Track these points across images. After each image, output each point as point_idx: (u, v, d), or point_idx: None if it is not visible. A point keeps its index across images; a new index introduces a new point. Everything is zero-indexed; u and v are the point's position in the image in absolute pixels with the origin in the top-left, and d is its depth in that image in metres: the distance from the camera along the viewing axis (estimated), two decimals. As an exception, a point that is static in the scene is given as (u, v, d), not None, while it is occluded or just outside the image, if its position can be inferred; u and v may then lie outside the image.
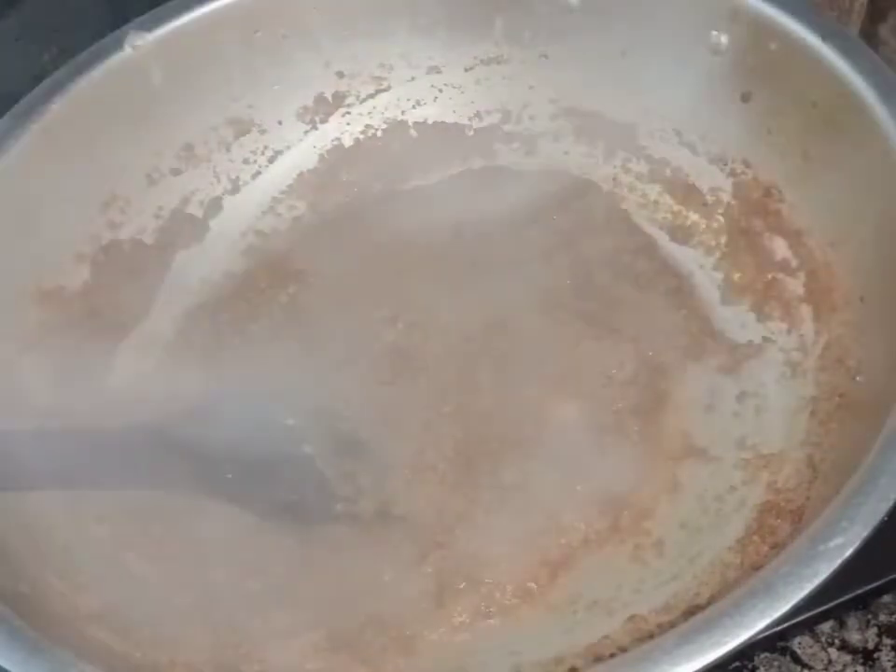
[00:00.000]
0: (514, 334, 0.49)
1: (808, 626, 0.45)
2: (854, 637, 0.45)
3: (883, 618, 0.45)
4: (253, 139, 0.57)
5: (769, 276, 0.50)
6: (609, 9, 0.53)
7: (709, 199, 0.54)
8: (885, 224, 0.44)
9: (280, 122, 0.58)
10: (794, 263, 0.49)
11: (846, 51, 0.46)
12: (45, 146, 0.50)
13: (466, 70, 0.58)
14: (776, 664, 0.45)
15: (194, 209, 0.56)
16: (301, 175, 0.58)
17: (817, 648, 0.45)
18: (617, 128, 0.56)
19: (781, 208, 0.50)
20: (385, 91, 0.59)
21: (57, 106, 0.50)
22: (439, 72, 0.58)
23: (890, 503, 0.34)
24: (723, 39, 0.50)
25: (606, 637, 0.39)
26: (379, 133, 0.59)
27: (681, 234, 0.54)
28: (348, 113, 0.59)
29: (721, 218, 0.53)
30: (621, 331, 0.49)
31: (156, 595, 0.43)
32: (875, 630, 0.45)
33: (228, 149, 0.57)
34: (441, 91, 0.59)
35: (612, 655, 0.38)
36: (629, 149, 0.56)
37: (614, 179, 0.56)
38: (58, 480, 0.43)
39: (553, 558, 0.43)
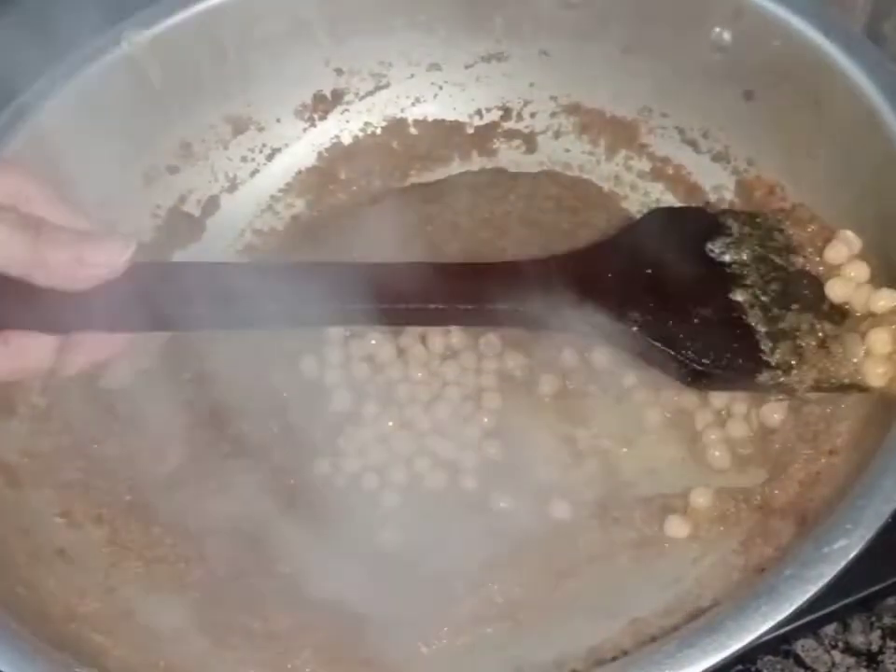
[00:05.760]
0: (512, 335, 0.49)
1: (812, 629, 0.45)
2: (858, 640, 0.45)
3: (887, 620, 0.45)
4: (251, 137, 0.57)
5: (771, 275, 0.50)
6: (610, 6, 0.53)
7: (712, 197, 0.53)
8: (889, 221, 0.44)
9: (278, 120, 0.57)
10: (796, 262, 0.49)
11: (849, 48, 0.46)
12: (41, 144, 0.49)
13: (466, 67, 0.58)
14: (779, 667, 0.44)
15: (191, 208, 0.56)
16: (299, 173, 0.58)
17: (820, 651, 0.45)
18: (619, 126, 0.56)
19: (784, 206, 0.50)
20: (384, 88, 0.58)
21: (53, 104, 0.50)
22: (438, 69, 0.58)
23: (894, 505, 0.34)
24: (726, 36, 0.50)
25: (607, 639, 0.39)
26: (378, 131, 0.59)
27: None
28: (347, 110, 0.58)
29: (724, 217, 0.53)
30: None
31: (154, 597, 0.43)
32: (878, 633, 0.45)
33: (225, 147, 0.57)
34: (440, 88, 0.58)
35: (614, 658, 0.38)
36: (631, 147, 0.56)
37: (616, 177, 0.56)
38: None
39: (555, 560, 0.43)
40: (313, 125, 0.58)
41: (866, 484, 0.35)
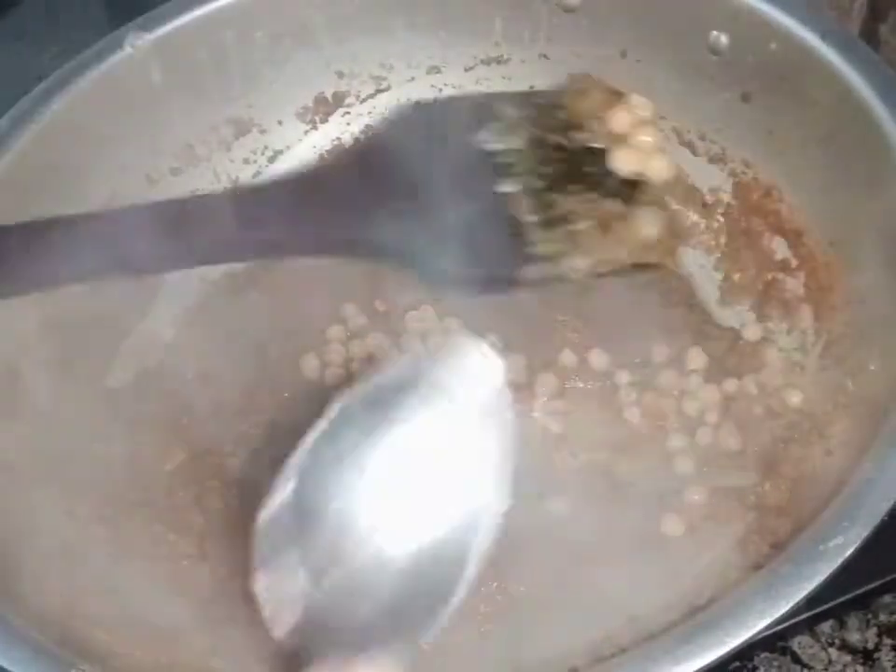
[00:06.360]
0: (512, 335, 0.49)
1: (808, 626, 0.45)
2: (854, 637, 0.45)
3: (883, 618, 0.45)
4: (253, 139, 0.57)
5: (769, 276, 0.50)
6: (608, 9, 0.53)
7: (709, 199, 0.53)
8: (885, 223, 0.44)
9: (280, 122, 0.58)
10: (794, 263, 0.49)
11: (846, 51, 0.46)
12: (44, 146, 0.50)
13: (466, 70, 0.58)
14: (775, 663, 0.45)
15: (194, 209, 0.56)
16: (300, 174, 0.58)
17: (817, 648, 0.45)
18: (617, 128, 0.56)
19: (781, 208, 0.50)
20: (385, 90, 0.58)
21: (57, 106, 0.50)
22: (439, 72, 0.58)
23: (891, 503, 0.35)
24: (723, 39, 0.50)
25: (606, 637, 0.39)
26: (379, 133, 0.59)
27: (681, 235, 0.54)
28: (348, 113, 0.59)
29: (722, 218, 0.53)
30: (622, 332, 0.49)
31: (157, 594, 0.43)
32: (875, 630, 0.45)
33: (228, 149, 0.57)
34: (440, 90, 0.59)
35: (613, 655, 0.38)
36: (629, 149, 0.56)
37: (614, 179, 0.56)
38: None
39: (554, 558, 0.43)
40: (314, 127, 0.58)
41: (863, 482, 0.35)
